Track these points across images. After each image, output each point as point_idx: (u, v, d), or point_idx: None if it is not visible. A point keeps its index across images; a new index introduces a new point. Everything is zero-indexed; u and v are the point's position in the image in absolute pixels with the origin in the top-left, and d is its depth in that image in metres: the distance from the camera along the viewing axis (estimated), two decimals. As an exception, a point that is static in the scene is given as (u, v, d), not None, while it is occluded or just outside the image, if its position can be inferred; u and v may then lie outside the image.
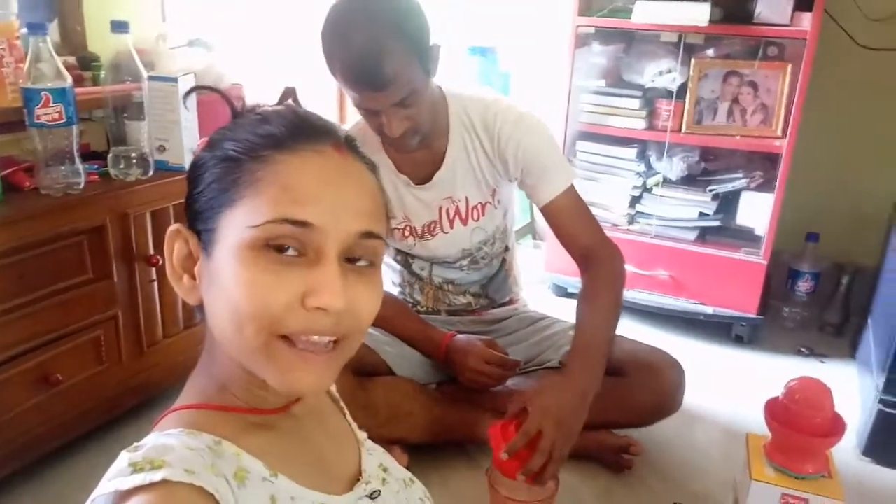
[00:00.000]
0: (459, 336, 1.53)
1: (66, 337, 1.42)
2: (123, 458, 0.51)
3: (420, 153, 1.45)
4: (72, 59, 1.69)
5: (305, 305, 0.56)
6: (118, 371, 1.54)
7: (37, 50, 1.34)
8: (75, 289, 1.43)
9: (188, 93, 1.43)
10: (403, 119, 1.30)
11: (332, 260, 0.57)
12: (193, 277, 0.62)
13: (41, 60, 1.35)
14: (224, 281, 0.57)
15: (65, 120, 1.37)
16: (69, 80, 1.39)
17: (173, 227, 0.62)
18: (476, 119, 1.46)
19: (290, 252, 0.56)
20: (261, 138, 0.59)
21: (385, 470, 0.75)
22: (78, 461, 1.51)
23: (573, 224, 1.48)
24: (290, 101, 0.68)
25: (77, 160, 1.43)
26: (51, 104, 1.35)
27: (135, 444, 0.54)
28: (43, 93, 1.34)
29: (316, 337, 0.57)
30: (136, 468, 0.49)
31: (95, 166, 1.55)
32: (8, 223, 1.30)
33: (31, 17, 1.49)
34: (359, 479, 0.70)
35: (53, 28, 1.76)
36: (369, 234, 0.59)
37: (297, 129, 0.60)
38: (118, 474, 0.50)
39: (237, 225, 0.57)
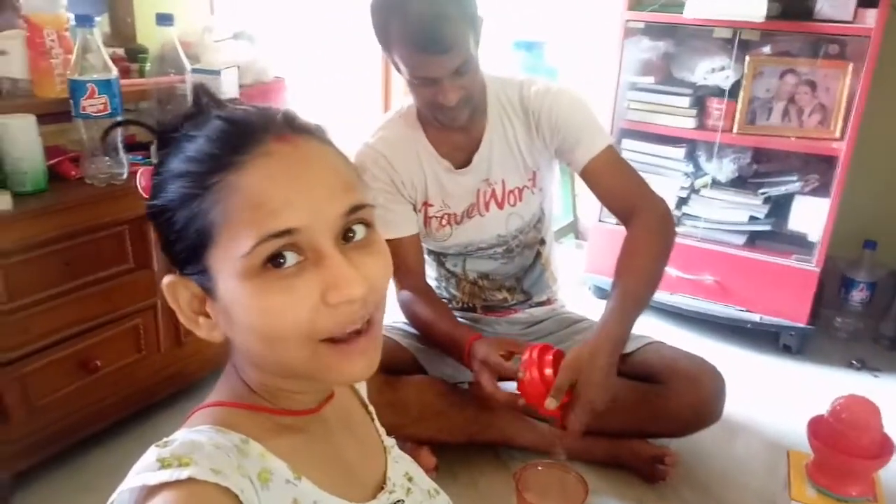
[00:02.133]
0: (480, 342, 1.38)
1: (106, 324, 1.45)
2: (152, 453, 0.52)
3: (459, 136, 1.46)
4: (121, 51, 1.73)
5: (328, 303, 0.55)
6: (156, 360, 1.57)
7: (84, 42, 1.37)
8: (117, 277, 1.46)
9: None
10: (459, 88, 1.33)
11: (332, 251, 0.56)
12: (208, 316, 0.60)
13: (89, 52, 1.37)
14: (241, 315, 0.56)
15: (109, 111, 1.40)
16: (115, 71, 1.41)
17: (166, 280, 0.59)
18: (514, 99, 1.48)
19: (290, 261, 0.55)
20: (202, 165, 0.55)
21: (410, 479, 0.74)
22: (113, 448, 1.54)
23: (614, 181, 1.46)
24: (205, 100, 0.62)
25: (121, 151, 1.45)
26: (96, 95, 1.38)
27: (164, 439, 0.54)
28: (89, 84, 1.36)
29: (351, 325, 0.57)
30: (163, 464, 0.50)
31: (139, 157, 1.57)
32: (54, 211, 1.33)
33: (80, 9, 1.52)
34: (383, 488, 0.69)
35: (104, 20, 1.80)
36: (353, 209, 0.57)
37: (234, 139, 0.56)
38: (146, 469, 0.50)
39: (227, 258, 0.55)
